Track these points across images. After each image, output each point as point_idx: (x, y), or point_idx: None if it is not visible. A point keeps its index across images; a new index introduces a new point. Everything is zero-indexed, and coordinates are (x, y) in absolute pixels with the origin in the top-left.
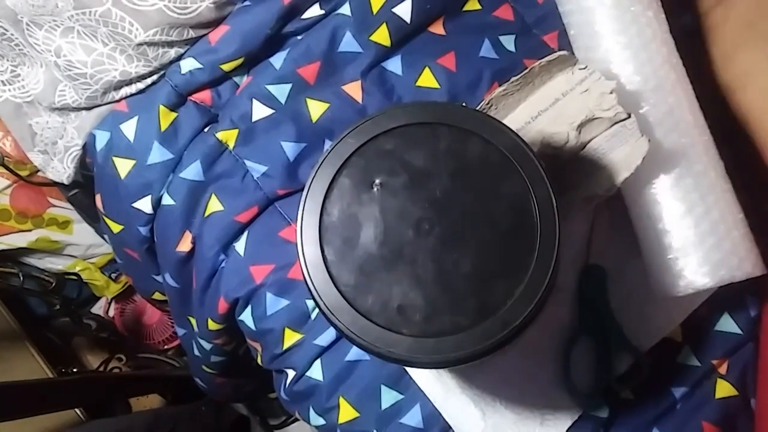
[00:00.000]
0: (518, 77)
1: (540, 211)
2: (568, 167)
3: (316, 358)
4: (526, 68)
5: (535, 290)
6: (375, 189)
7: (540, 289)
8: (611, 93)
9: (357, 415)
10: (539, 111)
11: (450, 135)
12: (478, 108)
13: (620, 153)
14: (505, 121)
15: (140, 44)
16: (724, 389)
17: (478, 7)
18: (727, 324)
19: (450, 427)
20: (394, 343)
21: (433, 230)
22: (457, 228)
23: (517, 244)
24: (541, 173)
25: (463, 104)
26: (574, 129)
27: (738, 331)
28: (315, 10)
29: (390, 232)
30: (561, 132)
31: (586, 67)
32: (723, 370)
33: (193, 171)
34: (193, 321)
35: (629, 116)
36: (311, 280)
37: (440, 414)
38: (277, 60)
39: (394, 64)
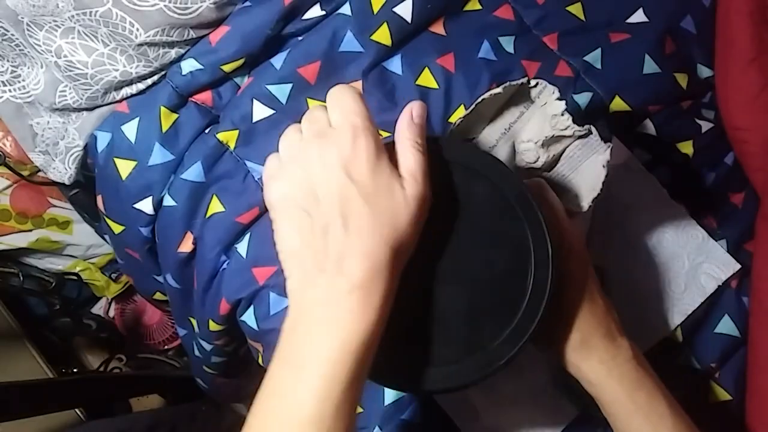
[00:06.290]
0: (469, 110)
1: (536, 258)
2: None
3: None
4: (524, 70)
5: (521, 335)
6: None
7: (525, 335)
8: (563, 114)
9: (360, 410)
10: (501, 133)
11: (459, 174)
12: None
13: (590, 166)
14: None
15: (141, 44)
16: (717, 394)
17: (478, 7)
18: (726, 327)
19: (451, 424)
20: (378, 371)
21: (431, 263)
22: (455, 264)
23: (511, 287)
24: (541, 222)
25: (473, 138)
26: (540, 147)
27: (737, 333)
28: (315, 11)
29: None
30: (529, 150)
31: (537, 84)
32: (718, 373)
33: (194, 172)
34: (194, 322)
35: (590, 131)
36: None
37: (441, 410)
38: (278, 60)
39: (395, 64)
